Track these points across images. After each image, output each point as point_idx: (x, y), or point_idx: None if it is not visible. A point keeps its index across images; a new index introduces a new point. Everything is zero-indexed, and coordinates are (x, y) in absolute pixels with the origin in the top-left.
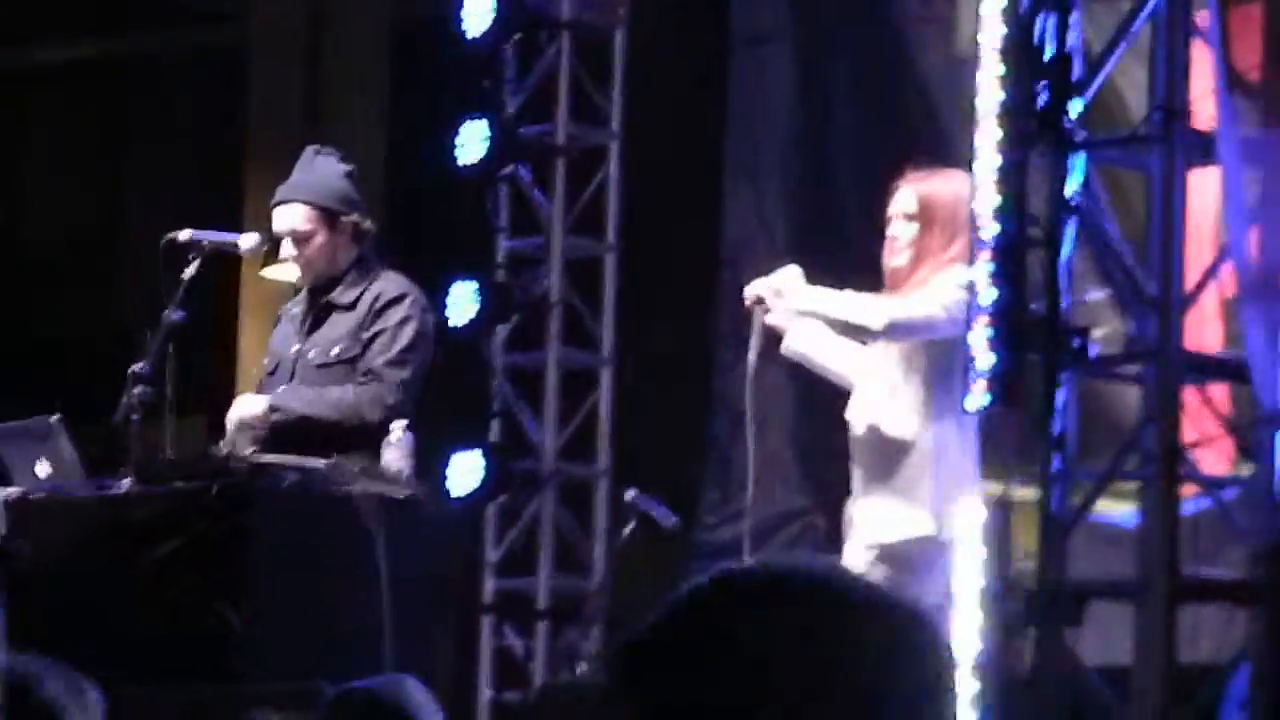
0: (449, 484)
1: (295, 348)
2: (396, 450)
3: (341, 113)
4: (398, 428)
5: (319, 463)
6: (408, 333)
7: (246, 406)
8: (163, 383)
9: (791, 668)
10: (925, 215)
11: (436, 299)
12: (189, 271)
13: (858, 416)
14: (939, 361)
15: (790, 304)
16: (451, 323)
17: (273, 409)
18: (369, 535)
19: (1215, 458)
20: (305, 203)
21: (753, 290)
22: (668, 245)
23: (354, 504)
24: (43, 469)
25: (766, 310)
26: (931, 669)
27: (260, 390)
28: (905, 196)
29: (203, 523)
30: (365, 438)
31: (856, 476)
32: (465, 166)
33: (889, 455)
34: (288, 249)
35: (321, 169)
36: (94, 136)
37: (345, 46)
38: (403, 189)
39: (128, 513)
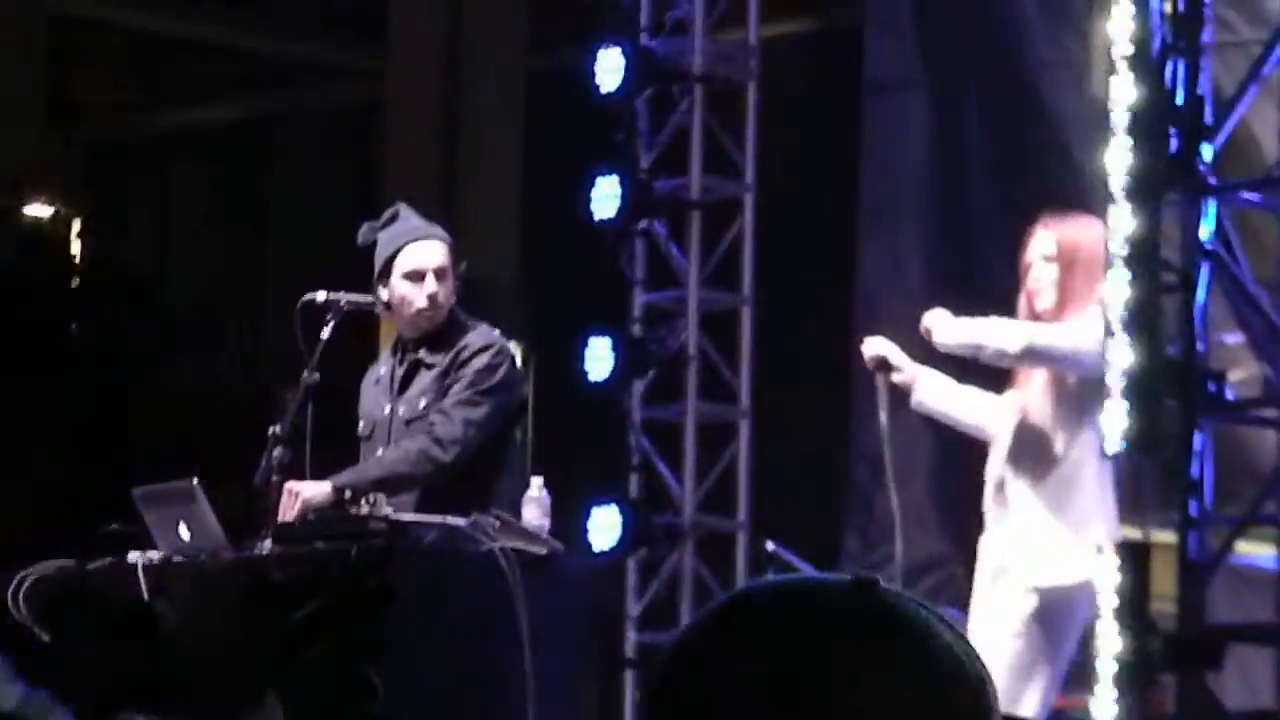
0: (589, 539)
1: (387, 408)
2: (535, 506)
3: (478, 168)
4: (536, 484)
5: (459, 520)
6: (488, 379)
7: (309, 492)
8: (302, 444)
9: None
10: (1066, 258)
11: (574, 354)
12: (325, 332)
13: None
14: (1091, 398)
15: (937, 339)
16: (589, 377)
17: (338, 489)
18: (511, 592)
19: None
20: (445, 242)
21: (871, 351)
22: (803, 295)
23: (495, 561)
24: (183, 532)
25: (888, 371)
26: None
27: (359, 455)
28: (1044, 240)
29: (344, 584)
30: (469, 492)
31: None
32: (600, 220)
33: (1058, 487)
34: (430, 284)
35: (431, 222)
36: (236, 198)
37: (480, 102)
38: (539, 244)
39: (268, 575)
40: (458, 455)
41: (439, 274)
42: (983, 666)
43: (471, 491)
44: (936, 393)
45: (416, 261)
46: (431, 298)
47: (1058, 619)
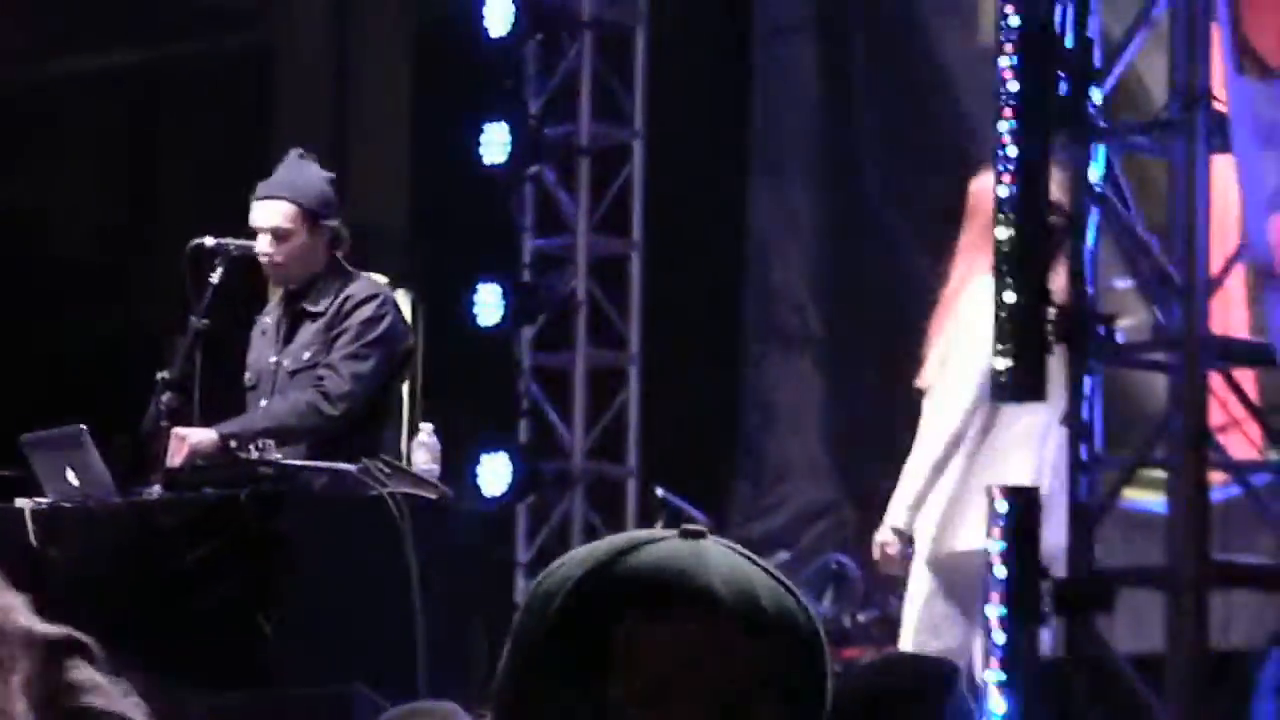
0: (479, 484)
1: (273, 359)
2: (425, 451)
3: (367, 114)
4: (426, 429)
5: (349, 466)
6: (373, 330)
7: (195, 438)
8: (190, 390)
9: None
10: (970, 207)
11: (463, 300)
12: (214, 278)
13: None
14: None
15: (892, 520)
16: (479, 323)
17: (225, 438)
18: (400, 537)
19: (1243, 444)
20: (290, 200)
21: (880, 545)
22: (693, 242)
23: (384, 506)
24: (71, 478)
25: (899, 555)
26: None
27: (246, 405)
28: (969, 191)
29: (233, 528)
30: (348, 440)
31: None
32: (489, 167)
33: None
34: (264, 245)
35: (308, 172)
36: (123, 145)
37: (369, 47)
38: (428, 191)
39: (157, 520)
40: (346, 410)
41: (276, 235)
42: (810, 618)
43: (357, 439)
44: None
45: (255, 219)
46: (267, 258)
47: (964, 583)
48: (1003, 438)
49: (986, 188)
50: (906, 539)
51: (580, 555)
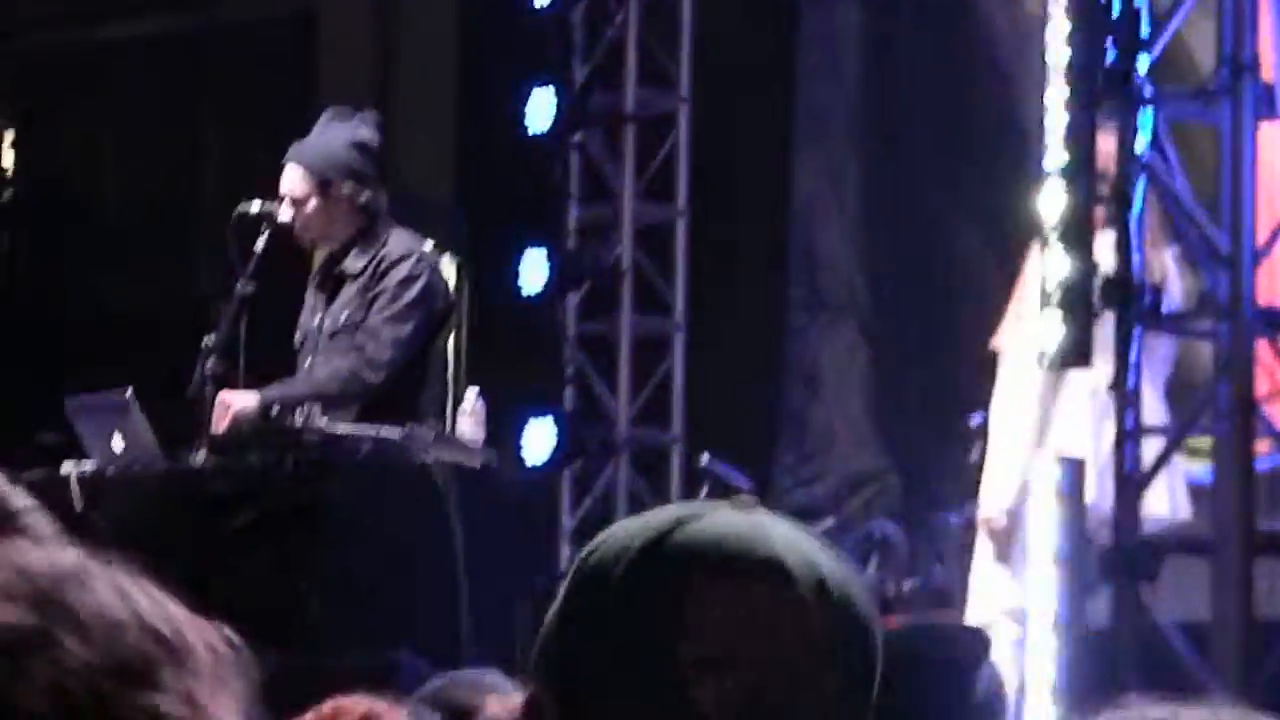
0: (524, 452)
1: (316, 320)
2: (470, 418)
3: (411, 82)
4: (471, 396)
5: (394, 432)
6: (410, 291)
7: (239, 404)
8: (236, 355)
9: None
10: None
11: (508, 268)
12: (260, 243)
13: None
14: None
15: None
16: (523, 291)
17: (268, 404)
18: (444, 504)
19: None
20: (299, 165)
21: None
22: (738, 209)
23: (429, 473)
24: (117, 443)
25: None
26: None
27: (295, 368)
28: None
29: (277, 495)
30: (396, 402)
31: None
32: (535, 134)
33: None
34: (285, 211)
35: (329, 134)
36: (169, 110)
37: (413, 14)
38: (473, 158)
39: (202, 486)
40: (386, 376)
41: (292, 201)
42: (865, 591)
43: (399, 402)
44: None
45: (281, 185)
46: (291, 222)
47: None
48: (1064, 406)
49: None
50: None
51: (636, 525)
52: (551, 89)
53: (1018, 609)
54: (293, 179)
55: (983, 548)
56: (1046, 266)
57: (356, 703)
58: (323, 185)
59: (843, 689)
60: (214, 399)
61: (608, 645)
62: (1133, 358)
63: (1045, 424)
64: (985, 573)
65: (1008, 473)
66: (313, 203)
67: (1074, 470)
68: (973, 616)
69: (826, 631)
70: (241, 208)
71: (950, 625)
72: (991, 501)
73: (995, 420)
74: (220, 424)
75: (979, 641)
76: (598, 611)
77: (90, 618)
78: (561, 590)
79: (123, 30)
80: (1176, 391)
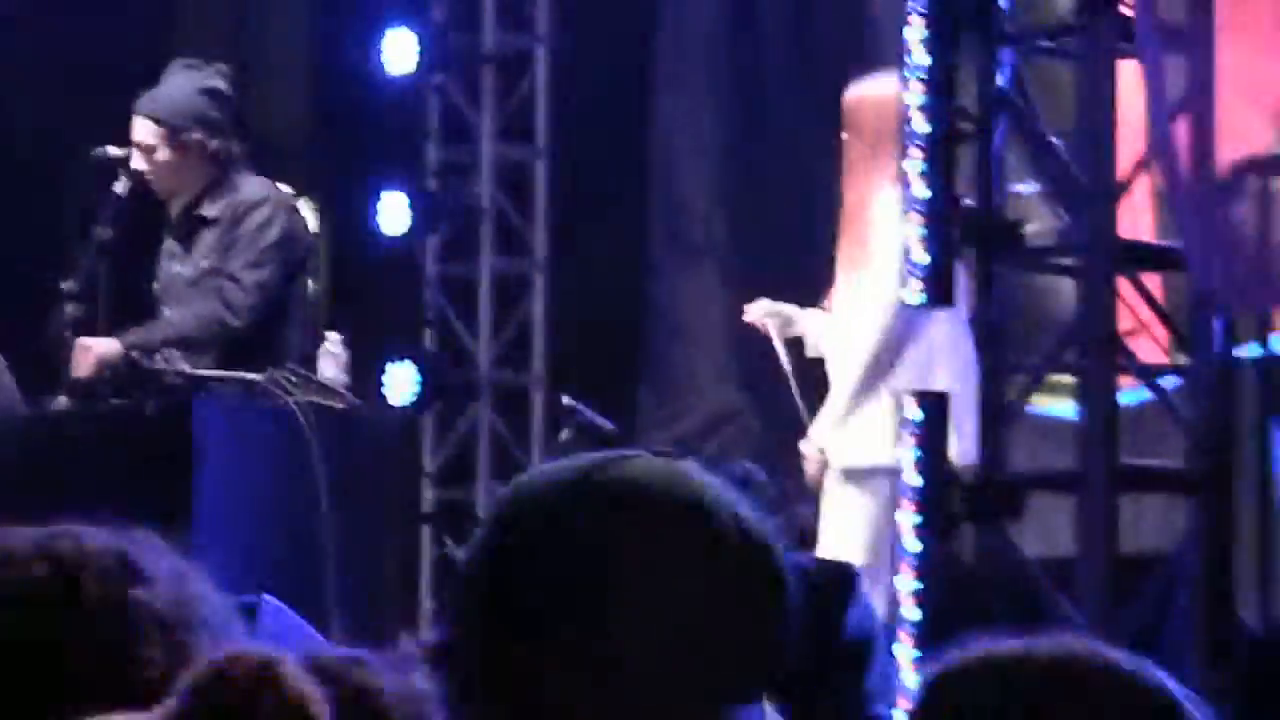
0: (385, 394)
1: (175, 267)
2: (332, 361)
3: (266, 22)
4: (333, 339)
5: (256, 376)
6: (268, 235)
7: (100, 349)
8: (94, 300)
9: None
10: (850, 122)
11: (367, 210)
12: (118, 187)
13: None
14: None
15: (817, 436)
16: (383, 232)
17: (129, 348)
18: (307, 446)
19: (1152, 348)
20: (147, 116)
21: (758, 317)
22: (598, 150)
23: (293, 416)
24: None
25: (787, 325)
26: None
27: (156, 316)
28: (845, 106)
29: (141, 439)
30: (258, 346)
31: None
32: (393, 76)
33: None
34: (138, 160)
35: (177, 83)
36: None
37: None
38: (330, 100)
39: (64, 431)
40: (248, 320)
41: (141, 150)
42: (769, 527)
43: (260, 345)
44: (821, 334)
45: (132, 135)
46: (145, 173)
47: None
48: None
49: (864, 99)
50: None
51: (555, 469)
52: (409, 30)
53: (867, 545)
54: (139, 129)
55: (830, 494)
56: (907, 204)
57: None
58: (172, 134)
59: (761, 628)
60: (73, 344)
61: (535, 588)
62: (994, 295)
63: (882, 364)
64: (830, 511)
65: (832, 411)
66: (163, 152)
67: (935, 407)
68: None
69: (746, 572)
70: (97, 151)
71: (818, 561)
72: (812, 438)
73: (830, 355)
74: (81, 369)
75: (848, 575)
76: (524, 554)
77: None
78: (479, 537)
79: None
80: (1032, 328)
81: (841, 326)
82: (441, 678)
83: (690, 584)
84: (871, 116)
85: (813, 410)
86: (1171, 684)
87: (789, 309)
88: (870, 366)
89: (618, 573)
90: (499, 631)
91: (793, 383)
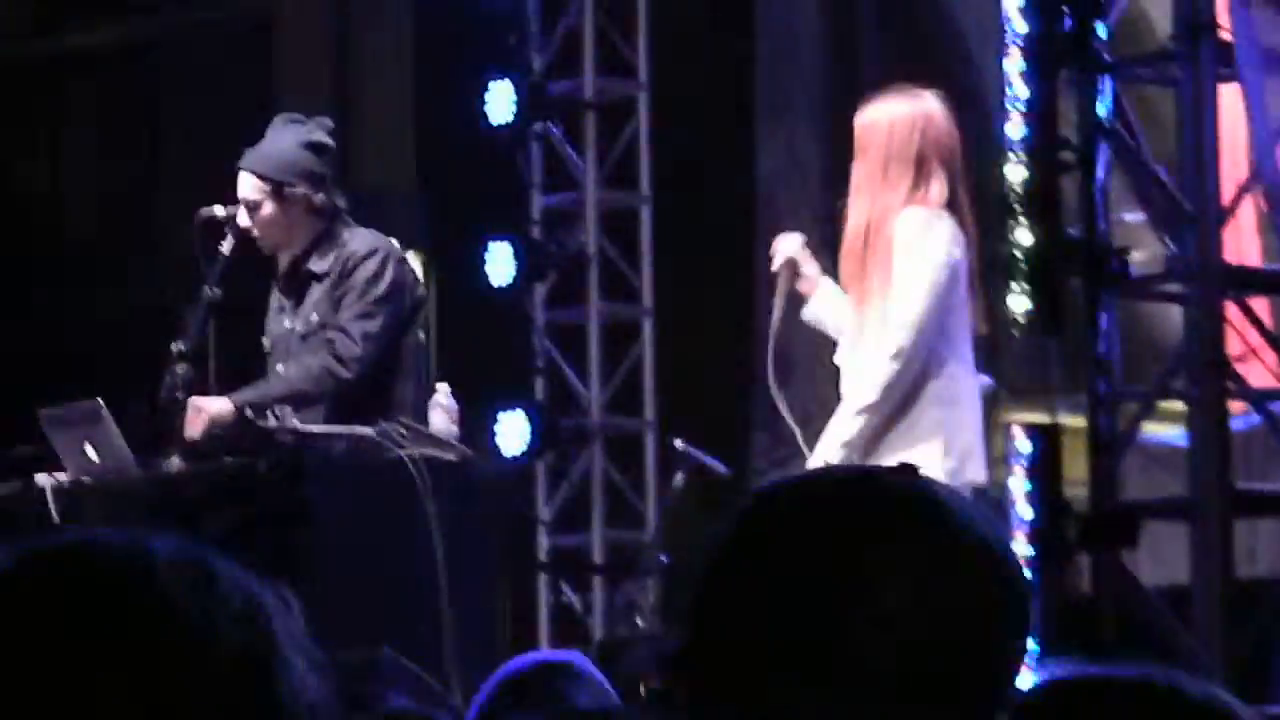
0: (497, 443)
1: (286, 325)
2: (443, 413)
3: (370, 79)
4: (443, 391)
5: (367, 430)
6: (378, 288)
7: (213, 408)
8: (205, 361)
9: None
10: (860, 145)
11: (474, 260)
12: (225, 247)
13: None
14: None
15: (825, 456)
16: (490, 282)
17: (241, 407)
18: (420, 499)
19: (1261, 373)
20: (252, 171)
21: (782, 251)
22: (702, 191)
23: (405, 469)
24: (91, 453)
25: (795, 274)
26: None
27: (266, 374)
28: (855, 128)
29: (254, 497)
30: (369, 399)
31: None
32: (495, 126)
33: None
34: (244, 217)
35: (280, 138)
36: (125, 119)
37: (370, 10)
38: (434, 152)
39: (178, 492)
40: (358, 371)
41: (247, 207)
42: (1012, 548)
43: (372, 398)
44: (829, 305)
45: (238, 191)
46: (251, 229)
47: None
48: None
49: (875, 121)
50: None
51: (797, 476)
52: (509, 80)
53: None
54: (244, 184)
55: None
56: (1009, 237)
57: None
58: (276, 190)
59: (1003, 637)
60: (185, 406)
61: (777, 604)
62: (1102, 325)
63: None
64: None
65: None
66: (268, 207)
67: (1048, 439)
68: None
69: (991, 579)
70: (204, 211)
71: None
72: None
73: (855, 402)
74: (194, 429)
75: None
76: (764, 569)
77: None
78: (716, 551)
79: (80, 40)
80: (1139, 355)
81: (848, 343)
82: (680, 683)
83: (938, 589)
84: (882, 139)
85: (805, 362)
86: (1245, 712)
87: (811, 267)
88: (887, 395)
89: (866, 575)
90: (729, 650)
91: (770, 340)
